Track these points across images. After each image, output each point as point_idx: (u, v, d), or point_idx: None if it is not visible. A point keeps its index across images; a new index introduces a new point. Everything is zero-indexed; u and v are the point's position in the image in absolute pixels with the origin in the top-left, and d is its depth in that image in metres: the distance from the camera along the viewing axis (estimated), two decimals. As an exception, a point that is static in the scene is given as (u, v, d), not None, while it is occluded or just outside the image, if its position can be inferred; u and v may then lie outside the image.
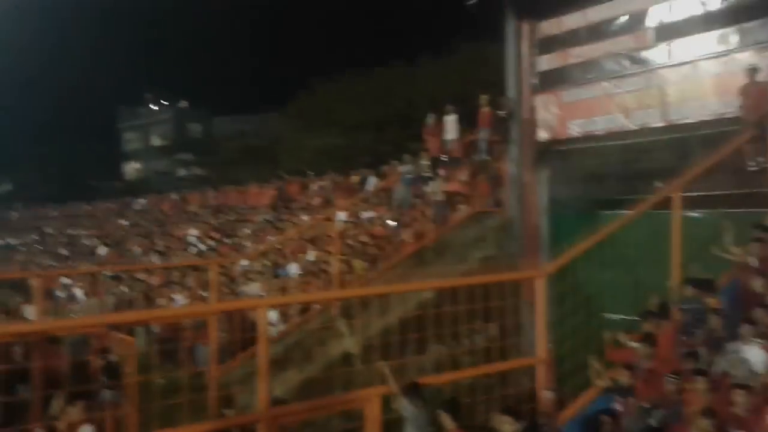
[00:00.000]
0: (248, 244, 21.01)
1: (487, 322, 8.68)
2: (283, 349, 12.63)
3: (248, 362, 10.73)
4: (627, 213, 9.44)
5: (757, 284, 7.98)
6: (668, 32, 13.58)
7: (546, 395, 7.25)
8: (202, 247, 22.86)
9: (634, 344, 7.85)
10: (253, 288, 15.48)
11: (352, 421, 6.82)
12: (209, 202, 31.07)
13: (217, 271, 13.70)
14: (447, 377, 7.72)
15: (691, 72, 13.15)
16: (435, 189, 16.20)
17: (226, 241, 22.77)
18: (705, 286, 8.40)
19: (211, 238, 23.65)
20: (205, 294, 14.93)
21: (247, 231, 22.99)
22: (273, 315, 12.93)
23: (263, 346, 6.16)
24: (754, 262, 8.67)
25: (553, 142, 15.58)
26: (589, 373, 7.77)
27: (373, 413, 6.59)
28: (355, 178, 22.69)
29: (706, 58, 12.91)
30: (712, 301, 8.16)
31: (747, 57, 12.07)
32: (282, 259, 17.16)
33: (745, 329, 7.12)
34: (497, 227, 15.29)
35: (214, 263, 14.27)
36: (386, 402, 6.70)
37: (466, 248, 14.66)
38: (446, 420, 6.64)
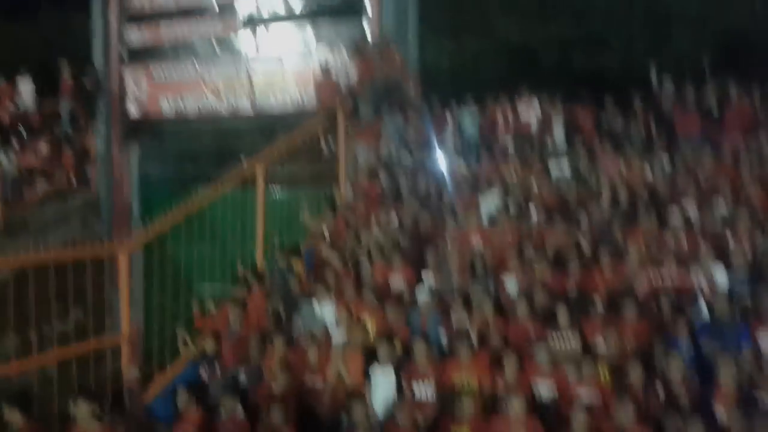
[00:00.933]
0: None
1: (72, 304, 7.98)
2: None
3: None
4: (216, 190, 9.67)
5: (326, 250, 8.95)
6: (256, 24, 14.35)
7: (131, 373, 6.95)
8: None
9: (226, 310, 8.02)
10: None
11: None
12: None
13: None
14: (14, 368, 6.81)
15: (277, 64, 14.13)
16: (6, 162, 14.18)
17: None
18: (292, 252, 9.12)
19: None
20: None
21: None
22: None
23: None
24: (325, 231, 9.71)
25: (145, 119, 15.11)
26: (178, 345, 7.72)
27: None
28: None
29: (290, 53, 14.02)
30: (297, 265, 8.88)
31: (322, 55, 13.48)
32: None
33: (320, 290, 7.90)
34: (83, 206, 14.18)
35: None
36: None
37: (46, 229, 13.22)
38: (13, 415, 5.82)
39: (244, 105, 14.45)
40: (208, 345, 7.40)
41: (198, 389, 6.65)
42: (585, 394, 5.82)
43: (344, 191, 11.32)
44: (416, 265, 8.51)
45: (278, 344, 6.93)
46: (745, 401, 5.36)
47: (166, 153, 14.48)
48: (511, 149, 11.37)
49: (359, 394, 6.19)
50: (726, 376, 5.55)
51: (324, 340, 7.03)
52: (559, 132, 11.55)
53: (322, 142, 12.23)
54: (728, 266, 7.04)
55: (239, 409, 6.20)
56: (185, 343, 7.64)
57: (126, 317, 7.80)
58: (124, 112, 15.15)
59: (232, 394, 6.30)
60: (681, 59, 14.09)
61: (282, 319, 7.72)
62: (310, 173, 11.92)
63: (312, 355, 6.80)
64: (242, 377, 7.11)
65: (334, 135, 11.99)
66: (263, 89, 14.26)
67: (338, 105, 11.99)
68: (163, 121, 14.99)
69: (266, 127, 13.99)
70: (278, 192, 11.65)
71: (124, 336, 7.70)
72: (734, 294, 6.61)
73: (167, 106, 15.06)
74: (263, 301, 8.25)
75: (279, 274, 8.60)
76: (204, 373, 7.17)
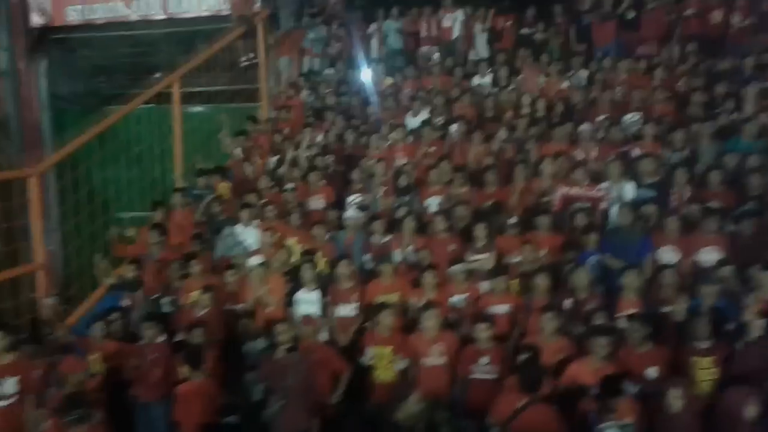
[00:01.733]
0: None
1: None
2: None
3: None
4: (129, 107, 9.26)
5: (248, 170, 8.79)
6: None
7: (47, 302, 6.82)
8: None
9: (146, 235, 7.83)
10: None
11: None
12: None
13: None
14: None
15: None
16: None
17: None
18: (214, 173, 8.91)
19: None
20: None
21: None
22: None
23: None
24: (238, 153, 9.45)
25: (50, 29, 14.08)
26: (96, 273, 7.59)
27: None
28: None
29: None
30: (223, 186, 8.65)
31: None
32: None
33: (243, 213, 7.79)
34: (-12, 126, 13.33)
35: None
36: None
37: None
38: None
39: (156, 11, 13.60)
40: (128, 271, 7.30)
41: (119, 317, 6.63)
42: (498, 308, 6.09)
43: (266, 107, 11.05)
44: (342, 185, 8.53)
45: (197, 269, 6.89)
46: (646, 312, 5.73)
47: (76, 67, 13.62)
48: (434, 61, 11.26)
49: (283, 317, 6.29)
50: (629, 288, 5.89)
51: (246, 264, 7.05)
52: (481, 43, 11.48)
53: (242, 55, 11.75)
54: (636, 180, 7.33)
55: (161, 335, 6.21)
56: (104, 271, 7.50)
57: (40, 244, 7.59)
58: (28, 23, 14.06)
59: (153, 320, 6.28)
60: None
61: (203, 243, 7.64)
62: (230, 88, 11.49)
63: (233, 279, 6.82)
64: (164, 303, 7.10)
65: (254, 46, 11.54)
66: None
67: (254, 12, 11.47)
68: (70, 30, 14.01)
69: (182, 36, 13.32)
70: (198, 108, 11.25)
71: (39, 264, 7.53)
72: (640, 208, 6.92)
73: (73, 13, 14.05)
74: (186, 223, 8.13)
75: (200, 196, 8.43)
76: (126, 300, 7.11)
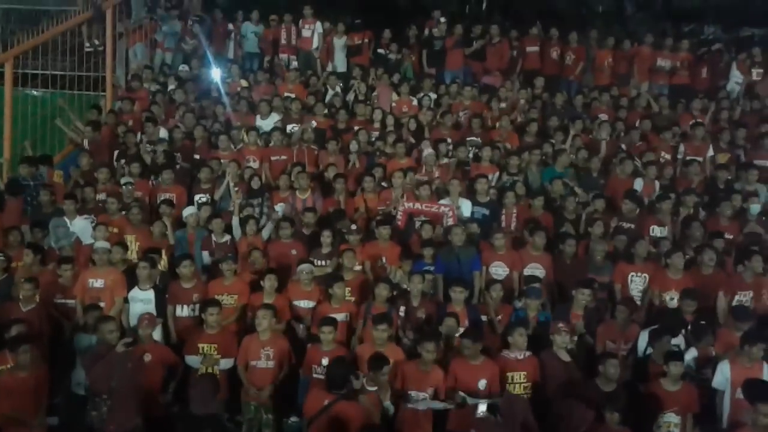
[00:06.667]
0: None
1: None
2: None
3: None
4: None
5: (88, 163, 8.38)
6: None
7: None
8: None
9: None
10: None
11: None
12: None
13: None
14: None
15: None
16: None
17: None
18: (42, 161, 8.38)
19: None
20: None
21: None
22: None
23: None
24: (86, 143, 8.99)
25: None
26: None
27: None
28: None
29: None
30: (53, 175, 8.26)
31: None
32: None
33: (68, 204, 7.34)
34: None
35: None
36: None
37: None
38: None
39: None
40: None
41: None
42: (336, 314, 6.20)
43: (111, 97, 10.50)
44: (188, 183, 8.32)
45: (28, 260, 6.44)
46: (472, 320, 6.14)
47: None
48: (291, 69, 11.30)
49: (109, 315, 6.02)
50: (457, 301, 6.28)
51: (77, 258, 6.69)
52: (340, 57, 11.70)
53: (87, 40, 11.08)
54: (473, 199, 7.83)
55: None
56: None
57: None
58: None
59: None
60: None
61: (30, 236, 7.10)
62: (72, 74, 10.76)
63: (64, 273, 6.43)
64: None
65: (102, 33, 10.91)
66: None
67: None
68: None
69: (22, 14, 12.40)
70: (35, 92, 10.44)
71: None
72: (473, 224, 7.41)
73: None
74: (11, 214, 7.54)
75: (25, 186, 7.85)
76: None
